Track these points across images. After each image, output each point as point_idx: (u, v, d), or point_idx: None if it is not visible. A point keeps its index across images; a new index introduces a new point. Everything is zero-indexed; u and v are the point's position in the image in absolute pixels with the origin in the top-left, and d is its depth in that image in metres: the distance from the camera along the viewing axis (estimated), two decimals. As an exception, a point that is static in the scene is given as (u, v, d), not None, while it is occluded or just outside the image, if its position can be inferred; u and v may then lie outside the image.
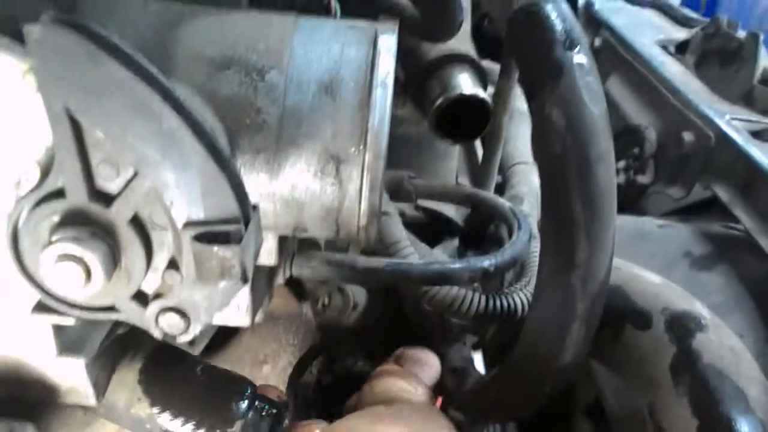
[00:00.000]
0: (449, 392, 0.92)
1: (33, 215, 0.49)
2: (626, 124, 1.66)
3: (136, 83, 0.44)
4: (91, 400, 0.75)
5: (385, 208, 0.96)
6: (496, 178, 1.26)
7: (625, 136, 1.62)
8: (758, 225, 1.20)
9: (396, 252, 0.91)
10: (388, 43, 0.63)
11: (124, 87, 0.44)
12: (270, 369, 1.26)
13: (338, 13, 0.99)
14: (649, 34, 1.90)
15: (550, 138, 0.57)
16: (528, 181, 1.22)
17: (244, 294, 0.70)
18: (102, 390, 0.77)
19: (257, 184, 0.61)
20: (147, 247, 0.51)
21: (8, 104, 0.50)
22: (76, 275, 0.48)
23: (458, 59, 0.95)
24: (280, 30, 0.63)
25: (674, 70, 1.64)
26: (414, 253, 0.92)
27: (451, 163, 1.31)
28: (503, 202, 1.03)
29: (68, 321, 0.56)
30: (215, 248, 0.47)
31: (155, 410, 0.78)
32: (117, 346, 0.77)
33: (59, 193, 0.49)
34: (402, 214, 1.09)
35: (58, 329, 0.66)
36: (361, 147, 0.60)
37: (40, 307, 0.56)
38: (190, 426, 0.78)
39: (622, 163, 1.62)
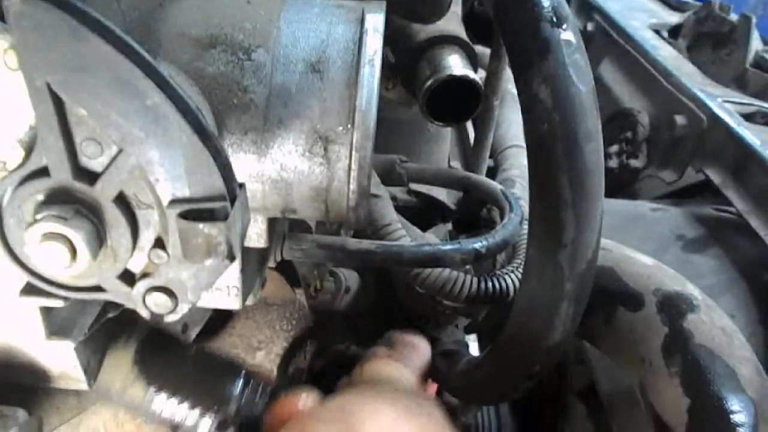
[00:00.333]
0: (442, 375, 0.92)
1: (17, 194, 0.49)
2: (619, 108, 1.66)
3: (119, 59, 0.43)
4: (82, 385, 0.75)
5: (376, 191, 0.96)
6: (487, 161, 1.26)
7: (618, 120, 1.62)
8: (750, 207, 1.21)
9: (387, 235, 0.91)
10: (376, 22, 0.62)
11: (107, 63, 0.43)
12: (264, 355, 1.26)
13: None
14: (641, 18, 1.90)
15: (537, 116, 0.57)
16: (520, 164, 1.22)
17: (235, 276, 0.70)
18: (94, 374, 0.77)
19: (245, 164, 0.61)
20: (133, 225, 0.50)
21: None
22: (61, 254, 0.48)
23: (448, 41, 0.94)
24: (267, 9, 0.63)
25: (667, 54, 1.64)
26: (405, 236, 0.92)
27: (443, 147, 1.30)
28: (495, 185, 1.03)
29: (56, 303, 0.56)
30: (201, 225, 0.47)
31: (151, 391, 0.78)
32: (107, 331, 0.77)
33: (43, 172, 0.48)
34: (394, 198, 1.09)
35: (47, 312, 0.65)
36: (349, 126, 0.60)
37: (28, 290, 0.56)
38: (185, 405, 0.78)
39: (615, 147, 1.62)
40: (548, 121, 0.56)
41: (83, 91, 0.45)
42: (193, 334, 1.17)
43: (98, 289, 0.54)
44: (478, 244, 0.82)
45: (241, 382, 0.81)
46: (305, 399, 0.69)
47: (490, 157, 1.28)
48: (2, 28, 0.45)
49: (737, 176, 1.27)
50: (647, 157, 1.56)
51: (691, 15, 1.75)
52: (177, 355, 0.83)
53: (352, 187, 0.62)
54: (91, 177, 0.48)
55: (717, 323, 0.75)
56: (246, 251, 0.69)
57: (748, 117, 1.36)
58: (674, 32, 1.80)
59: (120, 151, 0.48)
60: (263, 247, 0.70)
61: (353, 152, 0.61)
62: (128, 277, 0.53)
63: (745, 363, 0.71)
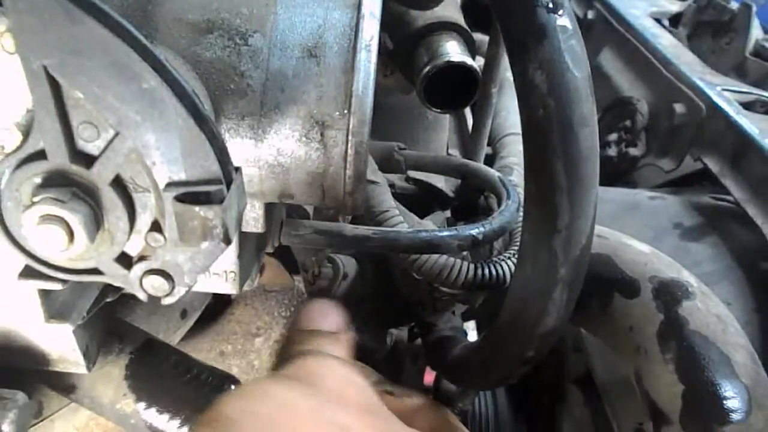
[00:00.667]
0: (439, 361, 0.93)
1: (14, 177, 0.49)
2: (618, 96, 1.66)
3: (115, 42, 0.43)
4: (81, 368, 0.75)
5: (374, 178, 0.96)
6: (485, 148, 1.26)
7: (617, 109, 1.62)
8: (748, 195, 1.21)
9: (385, 221, 0.92)
10: (373, 7, 0.62)
11: (103, 46, 0.43)
12: (263, 341, 1.27)
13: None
14: (642, 6, 1.89)
15: (533, 101, 0.57)
16: (517, 151, 1.22)
17: (232, 261, 0.70)
18: (93, 359, 0.77)
19: (242, 149, 0.61)
20: (130, 208, 0.51)
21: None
22: (58, 236, 0.48)
23: (446, 27, 0.94)
24: (264, -7, 0.63)
25: (666, 43, 1.64)
26: (403, 223, 0.93)
27: (441, 135, 1.30)
28: (493, 172, 1.03)
29: (54, 285, 0.57)
30: (197, 208, 0.47)
31: (142, 405, 0.78)
32: (106, 316, 0.78)
33: (40, 155, 0.48)
34: (392, 185, 1.09)
35: (46, 295, 0.66)
36: (346, 111, 0.60)
37: (27, 273, 0.56)
38: (177, 421, 0.78)
39: (614, 136, 1.62)
40: (543, 107, 0.57)
41: (80, 74, 0.45)
42: (192, 319, 1.18)
43: (96, 271, 0.54)
44: (475, 230, 0.82)
45: None
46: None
47: (489, 144, 1.29)
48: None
49: (735, 165, 1.27)
50: (646, 146, 1.57)
51: (692, 3, 1.75)
52: (168, 369, 0.82)
53: (348, 172, 0.63)
54: (88, 160, 0.49)
55: (712, 310, 0.75)
56: (243, 236, 0.70)
57: (748, 106, 1.36)
58: (675, 21, 1.80)
59: (116, 135, 0.48)
60: (260, 232, 0.70)
61: (350, 137, 0.61)
62: (125, 260, 0.54)
63: (740, 350, 0.72)
